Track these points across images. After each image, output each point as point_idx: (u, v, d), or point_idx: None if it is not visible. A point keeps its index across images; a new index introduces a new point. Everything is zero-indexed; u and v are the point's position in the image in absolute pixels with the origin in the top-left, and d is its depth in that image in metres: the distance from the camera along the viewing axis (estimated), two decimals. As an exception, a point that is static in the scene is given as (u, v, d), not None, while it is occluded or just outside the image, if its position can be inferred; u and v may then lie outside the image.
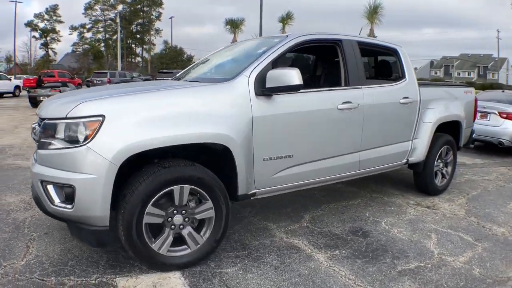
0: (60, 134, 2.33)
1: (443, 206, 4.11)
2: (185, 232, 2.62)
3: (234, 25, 35.01)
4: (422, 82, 4.22)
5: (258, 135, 2.79)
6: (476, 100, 4.86)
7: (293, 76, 2.71)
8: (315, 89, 3.26)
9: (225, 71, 3.42)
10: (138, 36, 62.37)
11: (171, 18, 51.49)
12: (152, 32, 62.24)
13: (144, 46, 62.60)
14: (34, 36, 53.99)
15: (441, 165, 4.41)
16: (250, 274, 2.62)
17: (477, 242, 3.21)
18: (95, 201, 2.28)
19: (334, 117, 3.20)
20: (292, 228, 3.44)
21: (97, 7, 57.41)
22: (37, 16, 55.42)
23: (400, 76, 3.95)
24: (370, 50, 3.99)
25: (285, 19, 34.27)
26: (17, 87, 23.41)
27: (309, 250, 2.99)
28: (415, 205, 4.10)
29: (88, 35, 58.12)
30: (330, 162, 3.29)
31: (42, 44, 55.16)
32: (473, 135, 5.02)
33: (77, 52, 54.64)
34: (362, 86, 3.43)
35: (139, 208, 2.37)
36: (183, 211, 2.59)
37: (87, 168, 2.26)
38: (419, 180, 4.36)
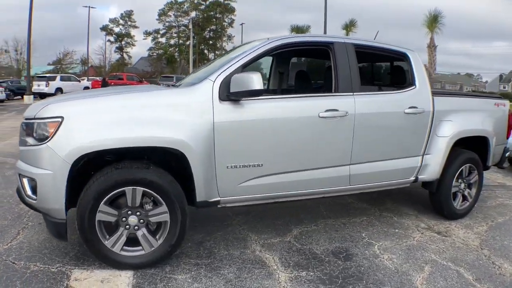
0: (31, 133, 2.51)
1: (457, 233, 3.58)
2: (139, 234, 2.65)
3: (299, 32, 34.95)
4: (439, 91, 3.74)
5: (220, 141, 2.69)
6: (511, 114, 4.17)
7: (253, 80, 2.58)
8: (294, 95, 3.06)
9: (206, 75, 3.37)
10: (210, 42, 64.98)
11: (241, 24, 52.97)
12: (224, 38, 64.48)
13: (217, 52, 65.13)
14: (109, 40, 58.15)
15: (462, 185, 3.85)
16: (197, 284, 2.54)
17: (476, 283, 2.70)
18: (52, 194, 2.44)
19: (314, 125, 2.96)
20: (272, 241, 3.26)
21: (170, 13, 60.75)
22: (112, 21, 59.55)
23: (410, 83, 3.53)
24: (375, 55, 3.63)
25: (349, 26, 33.61)
26: (86, 88, 25.74)
27: (275, 267, 2.80)
28: (425, 229, 3.63)
29: (162, 40, 61.84)
30: (311, 175, 3.04)
31: (117, 48, 59.15)
32: (507, 154, 4.30)
33: (152, 57, 58.49)
34: (355, 93, 3.12)
35: (91, 205, 2.48)
36: (138, 213, 2.62)
37: (45, 164, 2.42)
38: (434, 201, 3.87)
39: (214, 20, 63.67)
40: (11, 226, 3.41)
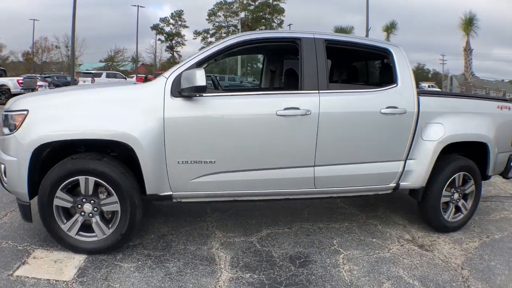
0: (6, 123, 2.77)
1: (441, 248, 3.25)
2: (93, 221, 2.78)
3: (342, 32, 34.16)
4: (426, 90, 3.43)
5: (171, 136, 2.72)
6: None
7: (196, 76, 2.57)
8: (253, 93, 2.98)
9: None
10: (259, 43, 65.37)
11: (289, 25, 52.80)
12: (273, 39, 64.47)
13: (265, 52, 65.25)
14: (159, 39, 60.37)
15: (455, 195, 3.49)
16: (137, 273, 2.60)
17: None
18: (17, 179, 2.68)
19: (272, 124, 2.86)
20: (234, 240, 3.21)
21: (220, 13, 62.01)
22: (162, 20, 61.71)
23: (391, 81, 3.28)
24: (354, 51, 3.41)
25: (389, 28, 32.38)
26: None
27: (221, 266, 2.76)
28: (407, 241, 3.34)
29: (211, 40, 63.23)
30: (269, 174, 2.95)
31: (167, 47, 61.27)
32: (512, 163, 3.80)
33: (202, 56, 59.92)
34: (321, 91, 2.97)
35: (49, 191, 2.67)
36: (92, 201, 2.76)
37: (12, 151, 2.67)
38: (421, 211, 3.56)
39: (263, 20, 63.92)
40: (2, 208, 3.71)
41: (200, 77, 2.56)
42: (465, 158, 3.47)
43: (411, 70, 3.33)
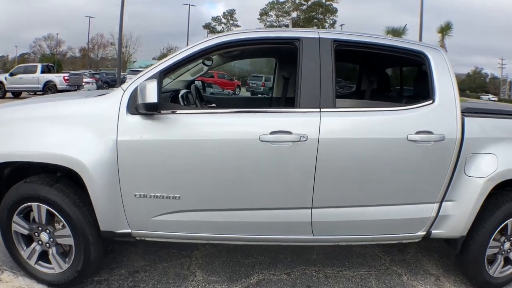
0: None
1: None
2: (50, 252, 2.43)
3: (395, 34, 31.99)
4: (474, 109, 2.57)
5: (125, 163, 2.21)
6: None
7: (145, 91, 2.02)
8: (231, 110, 2.33)
9: None
10: (311, 42, 63.98)
11: (341, 26, 51.02)
12: (324, 39, 62.81)
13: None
14: None
15: (505, 245, 2.62)
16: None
17: None
18: None
19: (254, 152, 2.22)
20: (213, 287, 2.61)
21: (272, 13, 61.46)
22: (214, 19, 62.26)
23: (426, 96, 2.48)
24: (376, 55, 2.63)
25: (444, 29, 29.38)
26: None
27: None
28: (438, 305, 2.55)
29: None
30: (251, 216, 2.31)
31: None
32: None
33: (253, 57, 60.15)
34: (323, 109, 2.27)
35: (6, 215, 2.40)
36: (48, 230, 2.39)
37: None
38: (459, 263, 2.73)
39: (315, 20, 62.56)
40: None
41: (150, 92, 2.01)
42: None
43: (455, 80, 2.50)
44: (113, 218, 2.27)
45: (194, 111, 2.28)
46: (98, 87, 21.23)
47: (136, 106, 2.14)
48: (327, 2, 59.54)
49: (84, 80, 19.75)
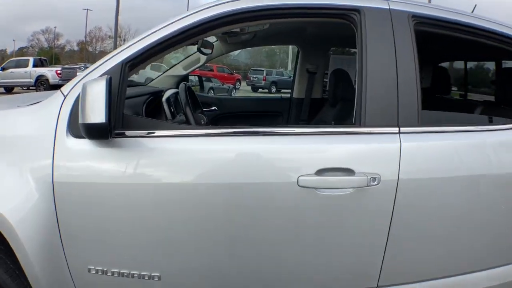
0: None
1: None
2: None
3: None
4: None
5: (69, 219, 1.29)
6: None
7: (88, 100, 1.14)
8: (243, 129, 1.36)
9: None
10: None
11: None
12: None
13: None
14: None
15: None
16: None
17: None
18: None
19: (289, 204, 1.30)
20: None
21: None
22: None
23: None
24: (471, 43, 1.65)
25: None
26: None
27: None
28: None
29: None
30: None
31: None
32: None
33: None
34: (404, 128, 1.34)
35: None
36: None
37: None
38: None
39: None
40: None
41: (93, 102, 1.10)
42: None
43: None
44: None
45: (177, 132, 1.31)
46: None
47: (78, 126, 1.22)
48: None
49: (78, 74, 18.86)
